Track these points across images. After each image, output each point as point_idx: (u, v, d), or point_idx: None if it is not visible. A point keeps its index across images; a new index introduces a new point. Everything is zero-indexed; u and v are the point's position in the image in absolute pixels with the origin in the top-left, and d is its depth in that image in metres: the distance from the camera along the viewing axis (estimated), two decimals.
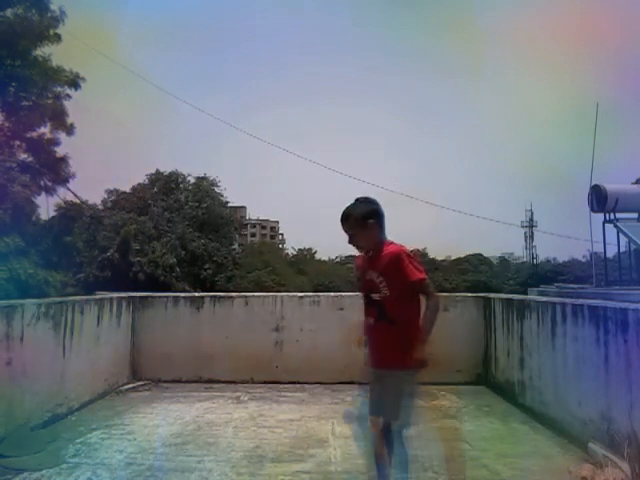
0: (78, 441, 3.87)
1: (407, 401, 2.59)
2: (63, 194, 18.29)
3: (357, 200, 2.71)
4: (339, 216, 2.67)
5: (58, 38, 16.24)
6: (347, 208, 2.68)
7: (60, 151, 17.20)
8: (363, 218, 2.62)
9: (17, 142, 16.25)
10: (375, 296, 2.65)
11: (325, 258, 46.62)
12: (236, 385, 5.78)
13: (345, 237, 2.70)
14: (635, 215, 8.51)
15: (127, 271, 22.98)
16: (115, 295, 5.85)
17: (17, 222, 13.51)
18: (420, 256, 40.63)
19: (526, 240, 48.80)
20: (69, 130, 17.00)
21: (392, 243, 2.68)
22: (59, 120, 16.72)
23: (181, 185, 29.92)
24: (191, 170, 34.22)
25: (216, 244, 27.84)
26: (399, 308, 2.58)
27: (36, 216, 16.81)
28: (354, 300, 6.36)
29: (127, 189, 29.05)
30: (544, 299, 4.94)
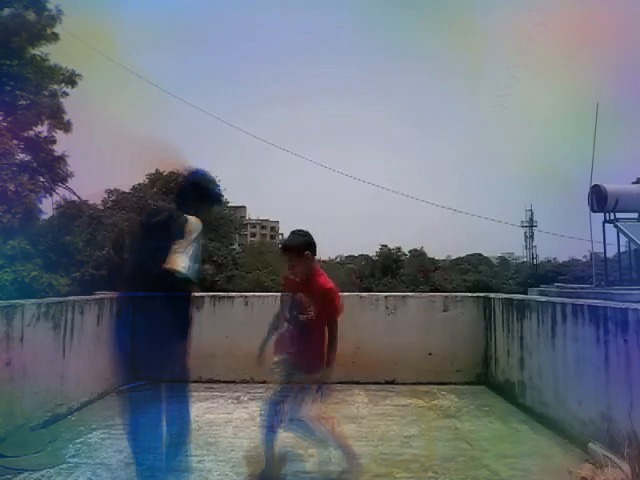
0: (78, 441, 3.87)
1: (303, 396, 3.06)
2: (65, 194, 18.29)
3: (294, 233, 3.11)
4: (283, 241, 3.15)
5: (55, 37, 16.24)
6: (286, 240, 3.14)
7: (58, 150, 17.20)
8: (301, 250, 3.03)
9: (15, 141, 16.23)
10: (302, 316, 3.06)
11: (325, 258, 46.65)
12: (236, 385, 5.78)
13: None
14: (635, 215, 8.50)
15: (123, 268, 22.90)
16: (115, 295, 5.85)
17: (25, 225, 13.53)
18: (419, 255, 40.61)
19: (526, 240, 48.81)
20: (67, 128, 16.98)
21: (322, 274, 3.11)
22: (57, 118, 16.70)
23: None
24: None
25: (216, 244, 27.83)
26: (316, 330, 3.03)
27: (36, 217, 16.81)
28: (354, 299, 6.36)
29: (127, 189, 29.05)
30: (544, 299, 4.93)
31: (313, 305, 3.01)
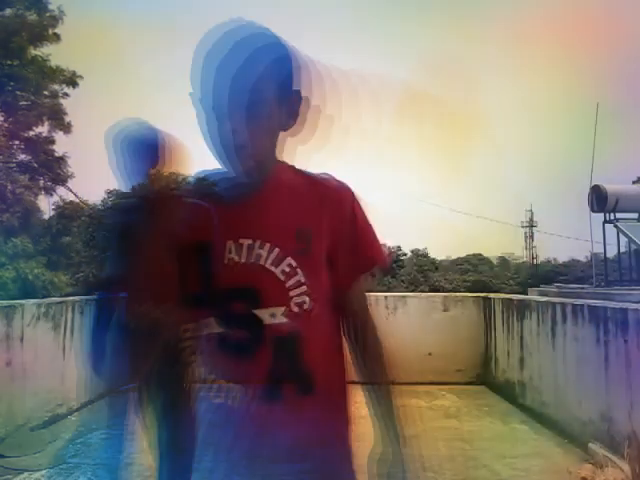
0: (78, 441, 3.87)
1: None
2: (65, 194, 18.29)
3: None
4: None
5: (57, 37, 16.26)
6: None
7: (59, 150, 17.21)
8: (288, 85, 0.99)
9: (16, 142, 16.25)
10: (271, 319, 0.97)
11: None
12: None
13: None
14: (635, 215, 8.52)
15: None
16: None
17: (24, 225, 13.58)
18: (421, 256, 40.45)
19: (526, 240, 48.70)
20: (67, 129, 17.00)
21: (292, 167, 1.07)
22: (57, 119, 16.72)
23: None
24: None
25: None
26: (326, 347, 1.04)
27: (36, 217, 16.83)
28: None
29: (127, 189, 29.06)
30: (544, 299, 4.94)
31: (308, 264, 1.02)
